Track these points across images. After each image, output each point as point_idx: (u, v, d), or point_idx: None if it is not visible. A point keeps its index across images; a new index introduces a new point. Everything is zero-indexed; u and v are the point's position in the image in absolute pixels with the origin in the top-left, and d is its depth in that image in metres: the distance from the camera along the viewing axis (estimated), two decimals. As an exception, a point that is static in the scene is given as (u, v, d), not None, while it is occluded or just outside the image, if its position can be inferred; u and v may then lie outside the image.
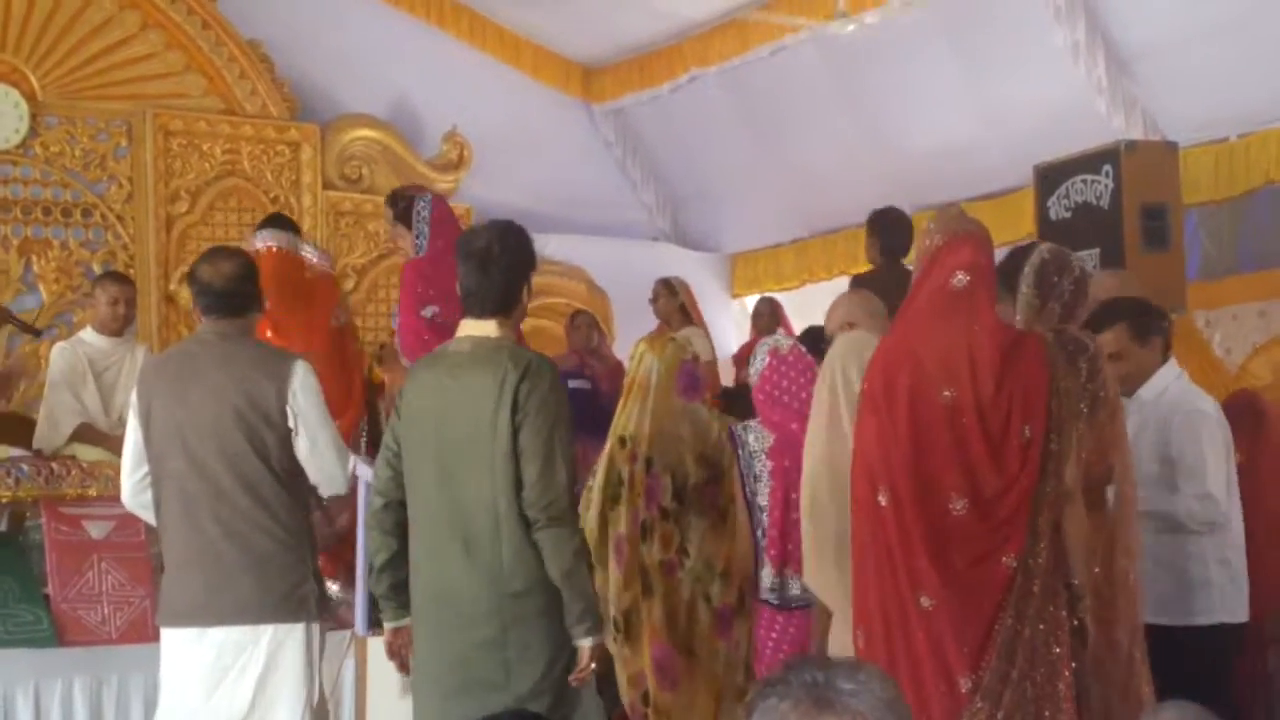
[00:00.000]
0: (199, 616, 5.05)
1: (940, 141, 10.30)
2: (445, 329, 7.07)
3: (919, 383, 4.39)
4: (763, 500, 5.50)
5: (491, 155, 11.78)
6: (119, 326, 7.59)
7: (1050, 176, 8.48)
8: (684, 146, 12.65)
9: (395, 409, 4.85)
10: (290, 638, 5.06)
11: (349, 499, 5.69)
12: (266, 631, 5.03)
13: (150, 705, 6.03)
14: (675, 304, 10.02)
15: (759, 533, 5.50)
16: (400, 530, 4.77)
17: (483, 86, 12.11)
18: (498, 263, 4.69)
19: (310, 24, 11.30)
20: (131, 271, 10.02)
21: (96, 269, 10.10)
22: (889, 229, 8.17)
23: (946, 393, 4.34)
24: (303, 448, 5.07)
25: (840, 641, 4.87)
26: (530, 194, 12.00)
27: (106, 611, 6.59)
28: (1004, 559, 4.30)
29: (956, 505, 4.31)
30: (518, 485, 4.52)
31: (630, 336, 10.15)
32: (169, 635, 5.14)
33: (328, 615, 5.29)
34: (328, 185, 11.20)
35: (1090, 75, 9.17)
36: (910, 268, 5.94)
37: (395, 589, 4.80)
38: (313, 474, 5.13)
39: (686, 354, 6.26)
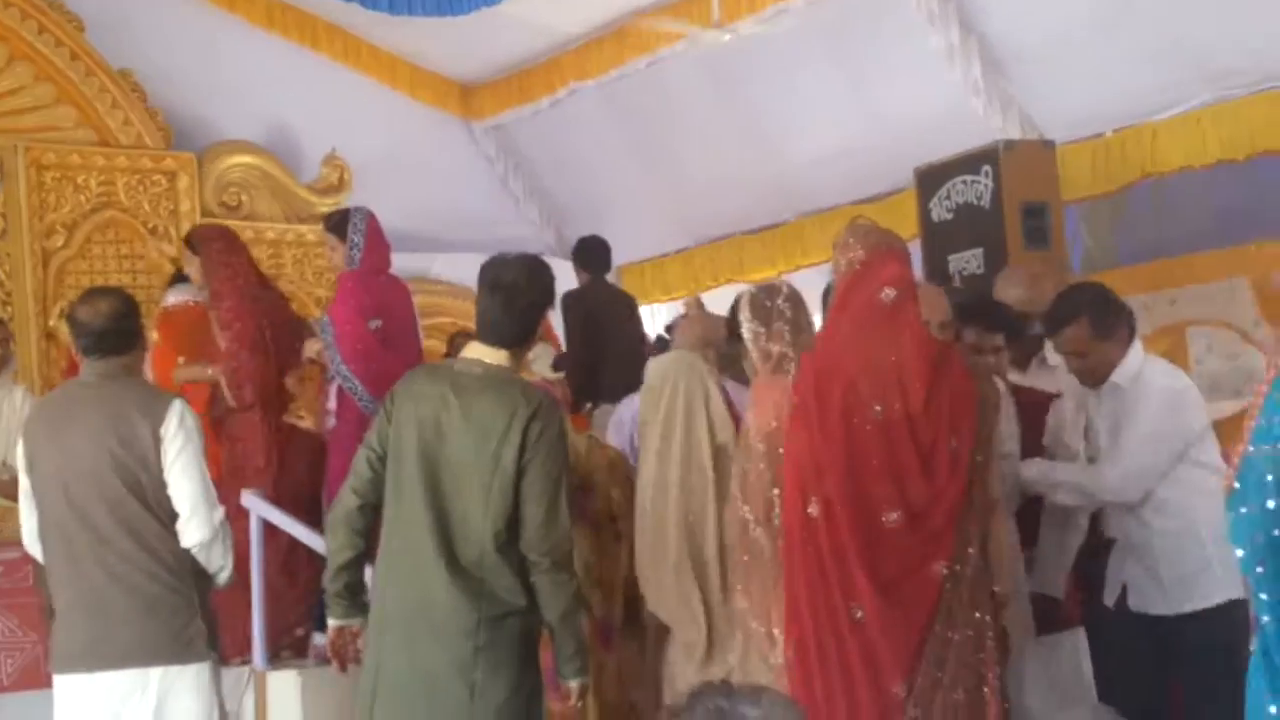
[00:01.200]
0: (86, 661, 5.00)
1: (821, 146, 10.35)
2: (388, 342, 7.13)
3: (851, 396, 4.44)
4: None
5: (373, 177, 11.69)
6: (-5, 369, 7.46)
7: (931, 178, 8.56)
8: (566, 160, 12.64)
9: (385, 412, 4.79)
10: (180, 680, 5.01)
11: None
12: (155, 674, 4.98)
13: (46, 754, 5.92)
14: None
15: None
16: (369, 533, 4.78)
17: (361, 108, 12.03)
18: (523, 299, 4.74)
19: (181, 51, 11.16)
20: (9, 309, 9.85)
21: (-27, 308, 9.91)
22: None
23: (878, 406, 4.40)
24: (170, 489, 5.02)
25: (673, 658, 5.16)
26: (413, 214, 11.90)
27: (-3, 658, 6.48)
28: (935, 567, 4.36)
29: (889, 517, 4.37)
30: (509, 519, 4.55)
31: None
32: (60, 681, 5.09)
33: (214, 654, 5.21)
34: (206, 213, 11.03)
35: (966, 77, 9.25)
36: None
37: (350, 588, 4.80)
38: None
39: (533, 375, 6.32)
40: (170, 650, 4.99)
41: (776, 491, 4.76)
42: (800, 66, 10.15)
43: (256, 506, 6.83)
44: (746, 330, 5.00)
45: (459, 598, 4.54)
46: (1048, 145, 8.55)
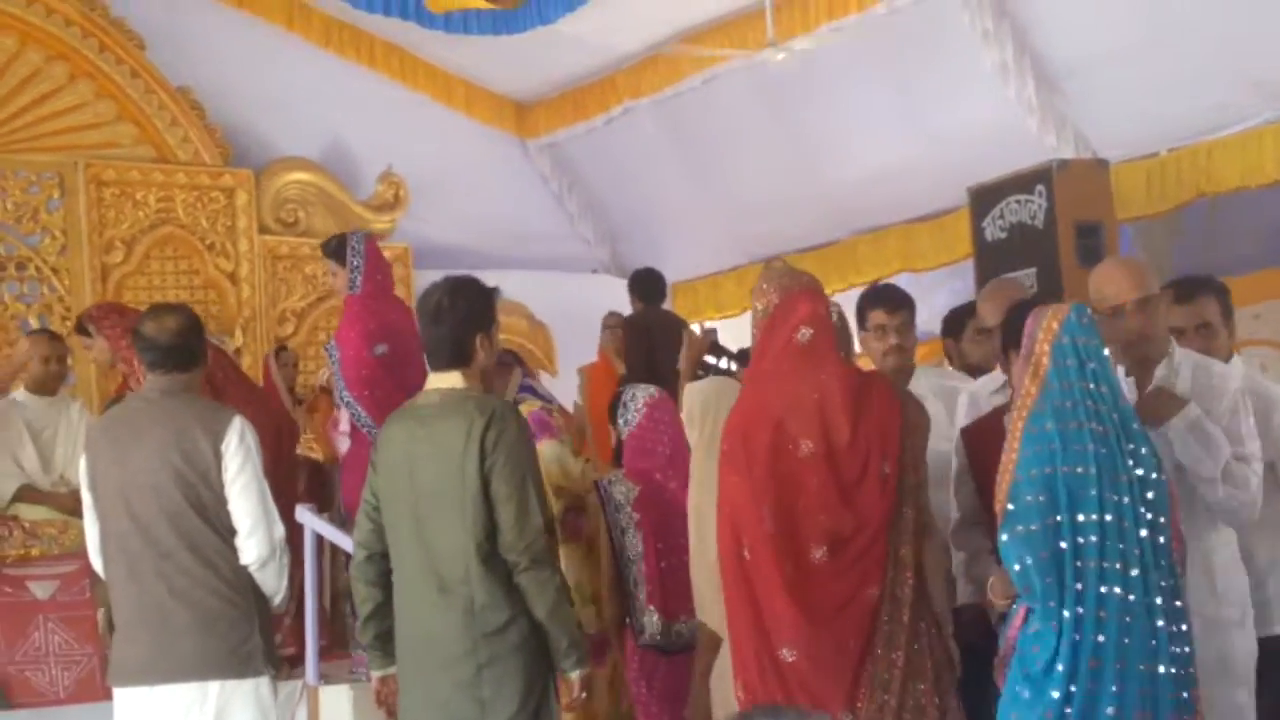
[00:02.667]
0: (146, 675, 5.03)
1: (874, 166, 10.35)
2: (393, 367, 7.09)
3: (777, 439, 4.50)
4: (632, 552, 5.64)
5: (427, 194, 11.78)
6: (53, 385, 7.51)
7: (984, 197, 8.54)
8: (620, 178, 12.67)
9: (371, 463, 4.91)
10: (238, 693, 5.04)
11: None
12: (214, 688, 5.01)
13: (103, 765, 5.98)
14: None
15: (632, 583, 5.64)
16: (384, 580, 4.84)
17: (416, 125, 12.11)
18: (447, 318, 4.79)
19: (240, 69, 11.27)
20: (68, 324, 9.94)
21: (33, 323, 10.04)
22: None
23: (807, 443, 4.47)
24: (231, 505, 5.06)
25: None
26: (468, 231, 12.01)
27: (54, 672, 6.54)
28: (869, 592, 4.42)
29: (816, 554, 4.42)
30: (488, 529, 4.61)
31: (572, 369, 10.19)
32: (120, 695, 5.12)
33: (275, 668, 5.26)
34: (264, 230, 11.16)
35: (1020, 95, 9.24)
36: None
37: (381, 638, 4.87)
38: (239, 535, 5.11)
39: (534, 406, 6.62)
40: (229, 664, 5.01)
41: None
42: (854, 85, 10.15)
43: (310, 522, 6.88)
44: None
45: (453, 621, 4.62)
46: (1102, 164, 8.51)
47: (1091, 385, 4.06)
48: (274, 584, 5.14)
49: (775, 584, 4.43)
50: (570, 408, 8.81)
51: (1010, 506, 4.00)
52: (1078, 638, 3.89)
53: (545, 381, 11.64)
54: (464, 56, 11.94)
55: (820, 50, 9.66)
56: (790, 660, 4.40)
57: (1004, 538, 4.00)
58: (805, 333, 4.56)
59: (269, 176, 11.28)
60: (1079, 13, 8.99)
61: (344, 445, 7.31)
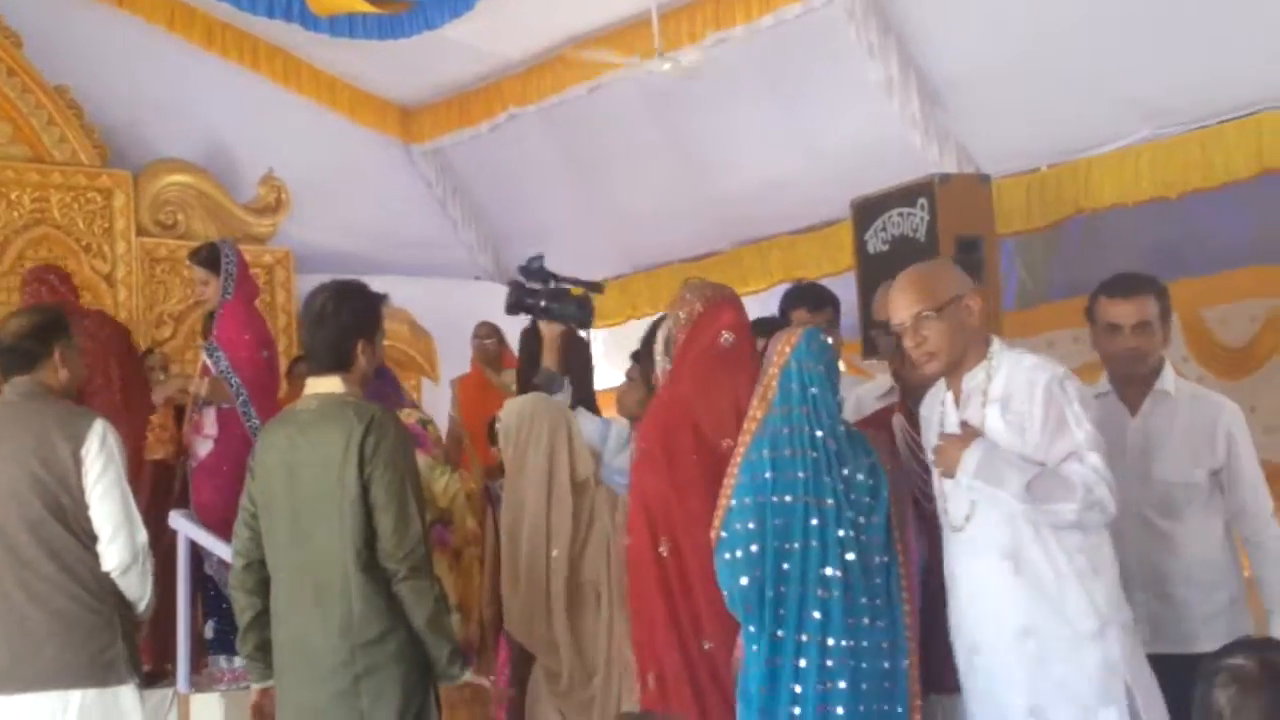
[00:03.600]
0: (4, 684, 4.97)
1: (759, 177, 10.38)
2: (274, 372, 7.49)
3: (699, 438, 4.68)
4: None
5: (310, 198, 11.67)
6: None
7: (867, 210, 8.58)
8: (505, 185, 12.62)
9: (250, 469, 4.88)
10: (100, 703, 4.97)
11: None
12: (75, 697, 4.94)
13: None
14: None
15: None
16: (263, 589, 4.81)
17: (299, 129, 11.97)
18: (330, 321, 4.79)
19: (120, 69, 11.09)
20: (-62, 326, 9.74)
21: (-99, 324, 9.80)
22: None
23: (724, 441, 4.59)
24: (92, 511, 4.98)
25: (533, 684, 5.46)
26: (350, 236, 11.91)
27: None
28: None
29: None
30: (366, 537, 4.59)
31: (453, 376, 10.14)
32: None
33: (139, 676, 5.17)
34: (142, 232, 10.98)
35: (904, 109, 9.29)
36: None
37: (260, 649, 4.83)
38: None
39: (411, 417, 6.68)
40: (90, 673, 4.95)
41: None
42: (739, 96, 10.18)
43: (183, 527, 6.79)
44: (659, 357, 5.08)
45: (330, 629, 4.60)
46: (983, 179, 8.59)
47: (810, 411, 4.31)
48: (137, 590, 5.07)
49: (694, 581, 4.57)
50: (444, 419, 8.79)
51: (723, 534, 4.29)
52: (779, 661, 4.18)
53: (427, 389, 11.61)
54: (349, 60, 11.83)
55: (706, 61, 9.66)
56: (709, 649, 4.55)
57: (716, 564, 4.28)
58: (728, 336, 4.77)
59: (148, 178, 11.09)
60: (963, 29, 9.07)
61: (204, 449, 7.29)
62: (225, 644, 6.99)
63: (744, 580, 4.22)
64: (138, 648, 5.21)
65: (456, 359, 10.44)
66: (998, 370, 4.35)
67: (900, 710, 4.28)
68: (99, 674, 4.96)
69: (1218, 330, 9.31)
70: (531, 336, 7.19)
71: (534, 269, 6.56)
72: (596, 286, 6.77)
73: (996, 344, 4.43)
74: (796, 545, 4.16)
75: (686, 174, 10.97)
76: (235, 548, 4.90)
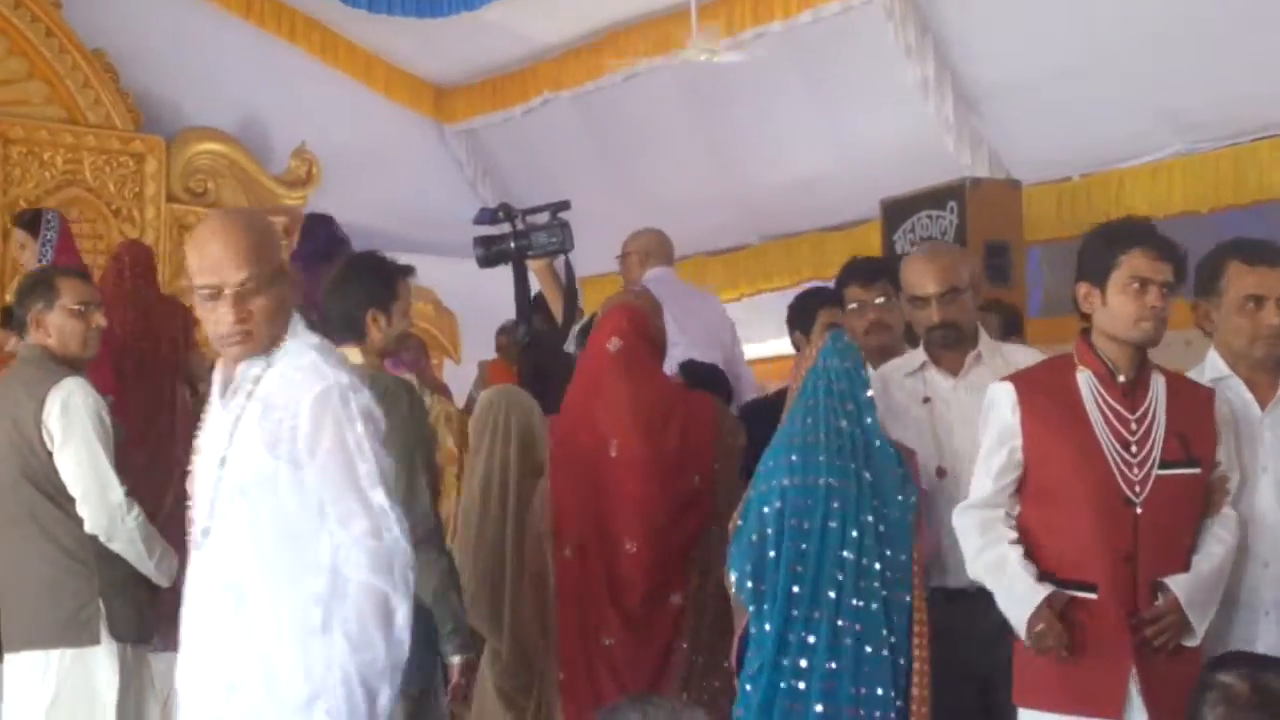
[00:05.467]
0: None
1: (790, 173, 10.37)
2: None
3: (594, 440, 4.94)
4: None
5: (341, 172, 11.67)
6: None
7: (897, 210, 8.58)
8: (536, 169, 12.61)
9: None
10: (78, 663, 5.00)
11: None
12: (54, 656, 4.99)
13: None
14: None
15: None
16: None
17: (333, 103, 12.01)
18: (341, 291, 4.89)
19: (157, 35, 11.13)
20: (-29, 281, 9.79)
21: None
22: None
23: (616, 441, 4.90)
24: (61, 473, 5.01)
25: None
26: (379, 212, 11.88)
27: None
28: (672, 597, 4.88)
29: (629, 547, 4.87)
30: None
31: (477, 357, 10.14)
32: None
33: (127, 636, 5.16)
34: (172, 198, 11.02)
35: (939, 112, 9.27)
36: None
37: None
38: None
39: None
40: (64, 633, 5.00)
41: None
42: (775, 91, 10.16)
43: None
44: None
45: None
46: (1014, 185, 8.58)
47: (835, 404, 4.37)
48: (132, 553, 5.04)
49: (594, 580, 4.85)
50: (463, 399, 8.79)
51: (740, 522, 4.37)
52: (790, 637, 4.20)
53: (449, 370, 11.61)
54: (385, 37, 11.85)
55: (744, 55, 9.65)
56: (609, 645, 4.81)
57: (733, 549, 4.36)
58: (615, 342, 5.02)
59: (180, 145, 11.12)
60: (1001, 35, 9.04)
61: None
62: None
63: (760, 560, 4.26)
64: (143, 608, 5.18)
65: (480, 340, 10.45)
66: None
67: (894, 697, 4.27)
68: (73, 634, 4.99)
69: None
70: (532, 350, 7.28)
71: (486, 219, 6.60)
72: (561, 205, 6.82)
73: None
74: (816, 525, 4.21)
75: (718, 166, 10.96)
76: None
